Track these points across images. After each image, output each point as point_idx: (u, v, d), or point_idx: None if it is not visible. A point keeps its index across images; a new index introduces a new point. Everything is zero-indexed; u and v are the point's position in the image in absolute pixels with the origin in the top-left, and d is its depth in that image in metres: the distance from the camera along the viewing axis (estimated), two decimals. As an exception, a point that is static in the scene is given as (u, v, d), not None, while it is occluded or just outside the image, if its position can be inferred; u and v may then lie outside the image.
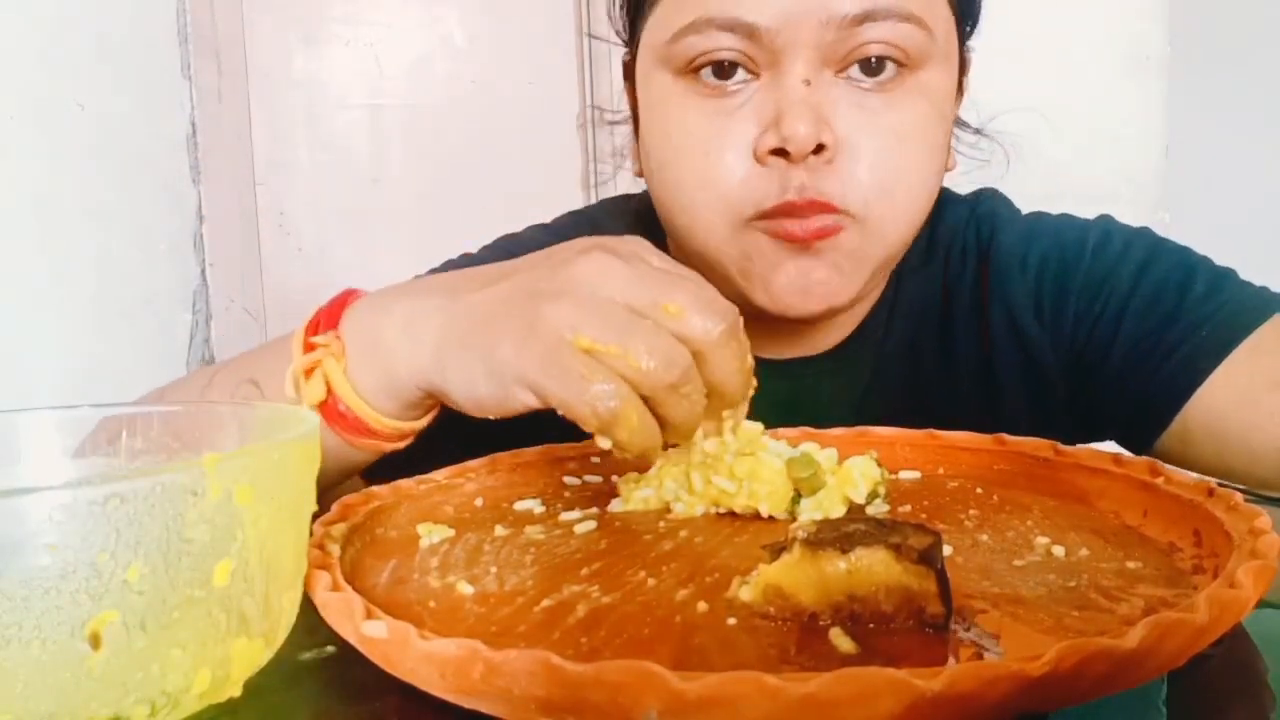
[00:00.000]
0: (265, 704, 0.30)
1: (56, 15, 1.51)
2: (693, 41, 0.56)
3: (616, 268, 0.39)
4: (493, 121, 1.85)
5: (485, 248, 0.75)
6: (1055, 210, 0.71)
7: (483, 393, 0.41)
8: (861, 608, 0.31)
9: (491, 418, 0.42)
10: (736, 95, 0.57)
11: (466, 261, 0.73)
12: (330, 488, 0.45)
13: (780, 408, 0.67)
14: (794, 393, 0.68)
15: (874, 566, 0.31)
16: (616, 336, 0.37)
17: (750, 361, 0.42)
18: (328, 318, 0.47)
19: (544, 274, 0.40)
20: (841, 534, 0.32)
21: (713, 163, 0.57)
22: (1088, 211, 0.71)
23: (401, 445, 0.49)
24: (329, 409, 0.45)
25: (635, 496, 0.47)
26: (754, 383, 0.43)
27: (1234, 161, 1.91)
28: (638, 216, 0.74)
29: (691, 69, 0.57)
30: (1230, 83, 1.91)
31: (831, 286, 0.58)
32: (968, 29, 0.63)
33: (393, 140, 1.82)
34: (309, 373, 0.45)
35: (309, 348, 0.46)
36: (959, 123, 0.67)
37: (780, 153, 0.55)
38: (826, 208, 0.56)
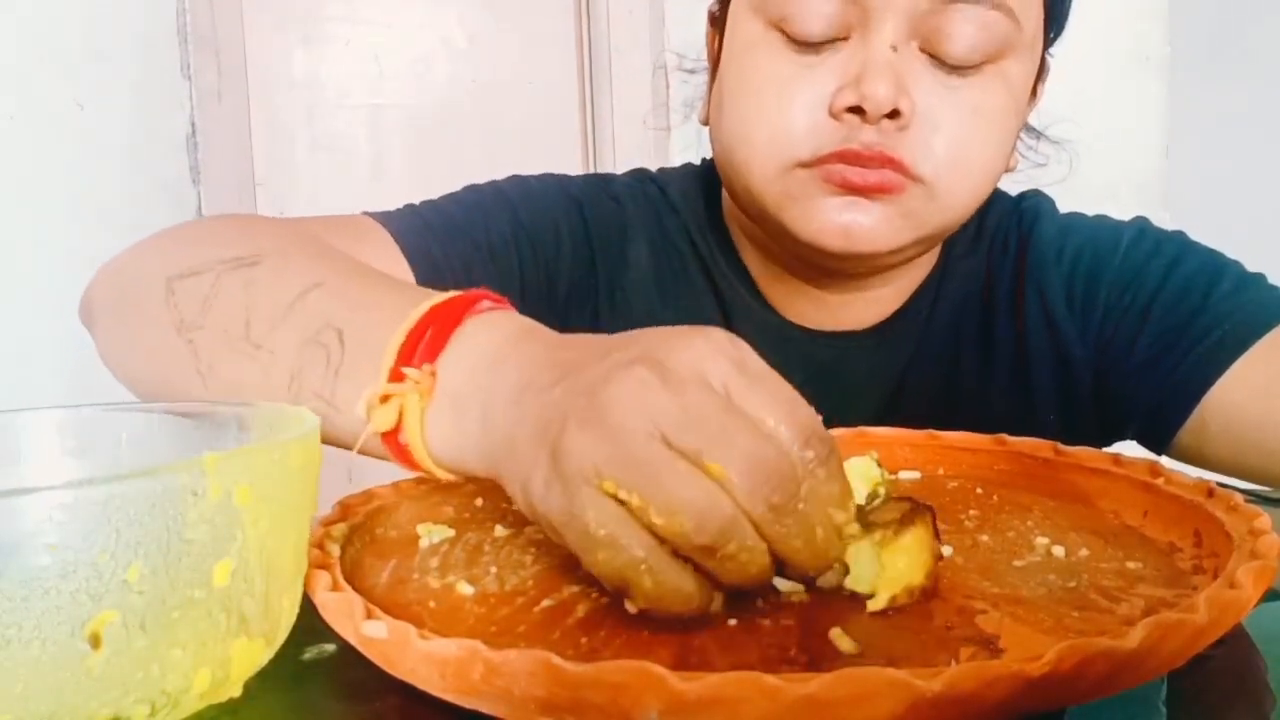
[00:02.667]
0: (265, 704, 0.30)
1: (56, 15, 1.51)
2: None
3: (656, 395, 0.30)
4: (493, 121, 1.85)
5: (540, 179, 0.73)
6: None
7: (521, 508, 0.35)
8: (930, 581, 0.34)
9: None
10: (822, 52, 0.58)
11: (522, 185, 0.71)
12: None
13: (821, 378, 0.68)
14: (836, 363, 0.69)
15: (924, 537, 0.34)
16: (639, 484, 0.29)
17: (841, 520, 0.32)
18: (436, 334, 0.39)
19: (583, 387, 0.32)
20: (885, 522, 0.34)
21: (784, 107, 0.58)
22: (1088, 211, 0.72)
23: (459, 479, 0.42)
24: (390, 435, 0.39)
25: None
26: (843, 538, 0.32)
27: (1234, 161, 1.91)
28: (662, 190, 0.74)
29: (782, 25, 0.58)
30: (1230, 83, 1.91)
31: (878, 232, 0.58)
32: (1052, 35, 0.64)
33: (393, 140, 1.82)
34: (386, 397, 0.39)
35: (396, 375, 0.39)
36: (1024, 126, 0.68)
37: (856, 111, 0.56)
38: (893, 164, 0.56)
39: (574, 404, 0.31)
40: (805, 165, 0.58)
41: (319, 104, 1.79)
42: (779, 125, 0.58)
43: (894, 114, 0.56)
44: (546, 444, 0.32)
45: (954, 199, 0.59)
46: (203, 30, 1.64)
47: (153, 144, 1.60)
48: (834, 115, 0.57)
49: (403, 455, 0.40)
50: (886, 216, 0.58)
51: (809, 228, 0.59)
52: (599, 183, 0.74)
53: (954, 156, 0.57)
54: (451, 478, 0.40)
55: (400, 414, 0.38)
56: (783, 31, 0.58)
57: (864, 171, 0.56)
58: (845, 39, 0.57)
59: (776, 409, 0.31)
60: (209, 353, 0.45)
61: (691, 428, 0.30)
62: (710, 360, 0.32)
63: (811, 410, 0.32)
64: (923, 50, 0.57)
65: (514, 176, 0.73)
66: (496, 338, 0.39)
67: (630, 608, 0.31)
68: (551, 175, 0.74)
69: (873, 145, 0.56)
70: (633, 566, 0.30)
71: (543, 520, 0.32)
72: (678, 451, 0.30)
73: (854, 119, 0.56)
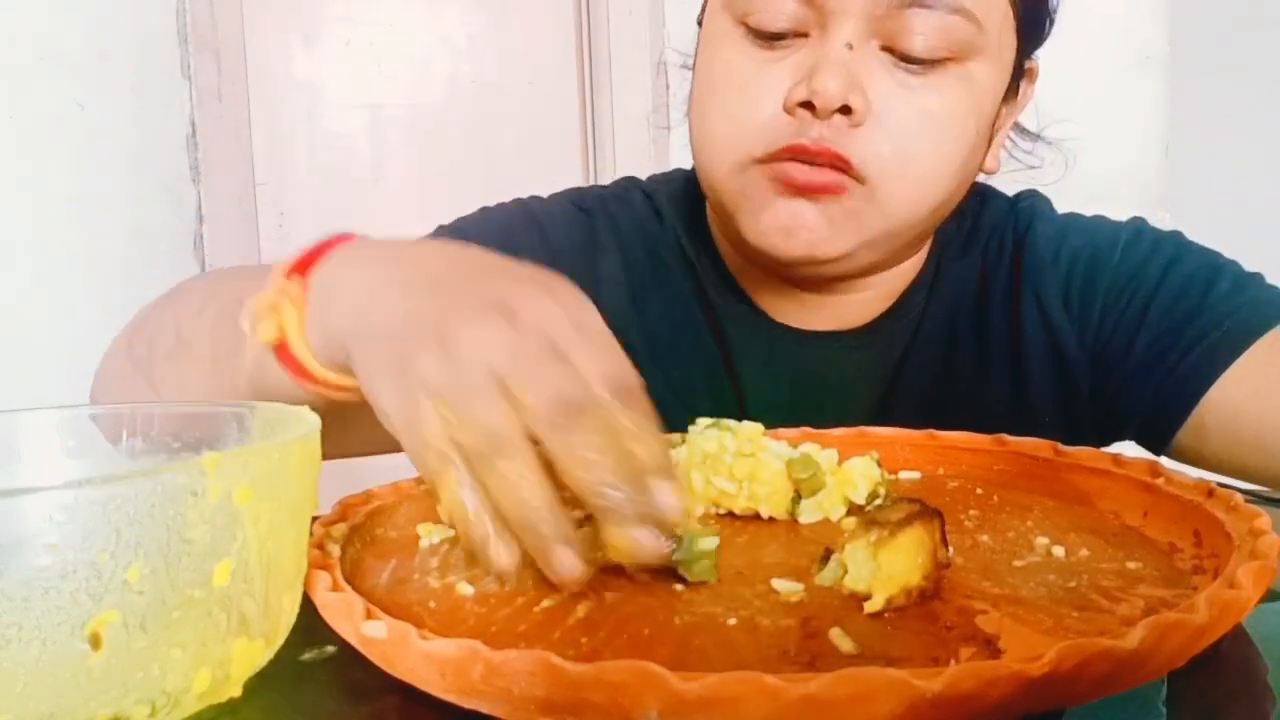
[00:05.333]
0: (265, 704, 0.30)
1: (56, 15, 1.51)
2: None
3: (498, 337, 0.35)
4: (493, 121, 1.85)
5: (503, 206, 0.74)
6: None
7: (367, 396, 0.38)
8: (929, 583, 0.34)
9: None
10: (783, 50, 0.59)
11: (484, 218, 0.73)
12: None
13: (809, 379, 0.68)
14: (824, 364, 0.69)
15: (923, 538, 0.34)
16: (455, 404, 0.34)
17: (644, 455, 0.35)
18: (308, 258, 0.45)
19: (439, 315, 0.37)
20: (883, 521, 0.34)
21: (742, 102, 0.59)
22: (1087, 211, 0.71)
23: (355, 398, 0.45)
24: (280, 348, 0.44)
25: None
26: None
27: (1234, 161, 1.91)
28: (648, 197, 0.74)
29: (746, 20, 0.59)
30: (1230, 83, 1.91)
31: (819, 235, 0.59)
32: (1030, 40, 0.63)
33: (393, 140, 1.82)
34: (270, 310, 0.44)
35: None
36: (1017, 128, 0.68)
37: (808, 107, 0.56)
38: (839, 161, 0.57)
39: (426, 330, 0.37)
40: (760, 162, 0.58)
41: (319, 104, 1.79)
42: (736, 123, 0.59)
43: (847, 110, 0.56)
44: (396, 347, 0.37)
45: (894, 201, 0.59)
46: (203, 30, 1.64)
47: (153, 144, 1.60)
48: (788, 110, 0.57)
49: (296, 366, 0.44)
50: (828, 216, 0.58)
51: (755, 228, 0.60)
52: (571, 196, 0.75)
53: (900, 155, 0.57)
54: (346, 382, 0.43)
55: (283, 328, 0.43)
56: (746, 26, 0.59)
57: (809, 171, 0.57)
58: (805, 36, 0.58)
59: (590, 362, 0.36)
60: (159, 375, 0.53)
61: (514, 364, 0.35)
62: (550, 317, 0.37)
63: (629, 370, 0.37)
64: (884, 48, 0.57)
65: (481, 209, 0.74)
66: (366, 253, 0.44)
67: (441, 513, 0.36)
68: (519, 200, 0.75)
69: (822, 141, 0.56)
70: (441, 468, 0.35)
71: (372, 402, 0.37)
72: (498, 383, 0.35)
73: (807, 114, 0.57)
